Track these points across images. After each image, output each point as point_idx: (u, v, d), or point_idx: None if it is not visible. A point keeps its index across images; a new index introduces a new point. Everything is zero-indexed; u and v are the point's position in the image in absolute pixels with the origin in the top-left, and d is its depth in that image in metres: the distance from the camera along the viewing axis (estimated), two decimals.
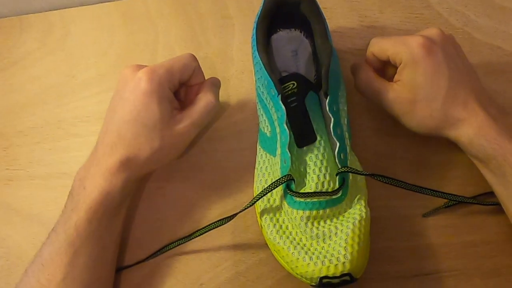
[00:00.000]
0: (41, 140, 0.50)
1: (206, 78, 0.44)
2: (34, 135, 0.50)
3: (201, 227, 0.40)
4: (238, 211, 0.39)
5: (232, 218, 0.39)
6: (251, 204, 0.39)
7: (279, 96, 0.39)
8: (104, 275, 0.40)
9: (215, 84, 0.44)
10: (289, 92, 0.41)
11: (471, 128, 0.37)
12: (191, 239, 0.41)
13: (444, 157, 0.44)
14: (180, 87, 0.43)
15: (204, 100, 0.41)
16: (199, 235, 0.40)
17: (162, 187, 0.46)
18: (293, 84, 0.41)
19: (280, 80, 0.41)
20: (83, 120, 0.50)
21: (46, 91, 0.52)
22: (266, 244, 0.41)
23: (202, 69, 0.43)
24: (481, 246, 0.41)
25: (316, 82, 0.43)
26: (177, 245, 0.41)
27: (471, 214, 0.42)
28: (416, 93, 0.39)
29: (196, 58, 0.42)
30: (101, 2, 0.57)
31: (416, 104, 0.39)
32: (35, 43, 0.55)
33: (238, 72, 0.50)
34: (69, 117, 0.50)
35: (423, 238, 0.42)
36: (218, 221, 0.39)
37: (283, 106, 0.39)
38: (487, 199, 0.41)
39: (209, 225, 0.40)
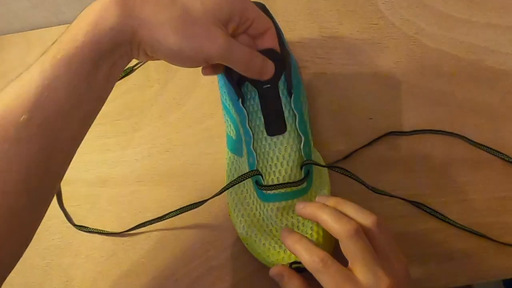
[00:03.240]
0: None
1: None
2: None
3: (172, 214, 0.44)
4: (208, 207, 0.42)
5: (201, 204, 0.42)
6: (218, 194, 0.42)
7: (239, 100, 0.42)
8: (70, 136, 0.34)
9: (260, 60, 0.38)
10: None
11: None
12: (161, 220, 0.44)
13: (400, 154, 0.48)
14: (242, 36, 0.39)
15: (249, 50, 0.37)
16: (169, 218, 0.44)
17: (138, 190, 0.49)
18: None
19: None
20: None
21: None
22: (237, 239, 0.44)
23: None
24: (434, 233, 0.44)
25: None
26: (148, 224, 0.45)
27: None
28: None
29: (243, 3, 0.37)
30: None
31: None
32: (16, 61, 0.58)
33: (208, 82, 0.53)
34: None
35: None
36: (188, 205, 0.43)
37: (244, 109, 0.42)
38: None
39: (180, 208, 0.43)
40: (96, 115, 0.36)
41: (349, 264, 0.35)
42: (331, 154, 0.48)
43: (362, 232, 0.36)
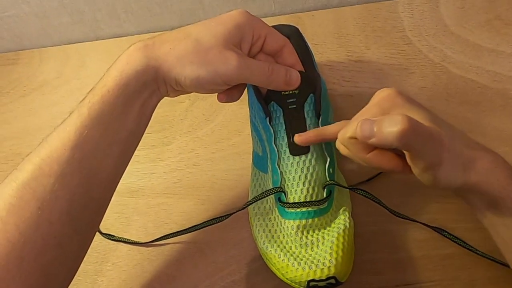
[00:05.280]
0: None
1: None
2: None
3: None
4: (232, 221, 0.43)
5: (225, 219, 0.44)
6: (242, 208, 0.43)
7: (267, 118, 0.44)
8: (108, 170, 0.37)
9: (284, 71, 0.41)
10: (290, 92, 0.43)
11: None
12: (186, 233, 0.45)
13: None
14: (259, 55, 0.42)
15: (267, 64, 0.40)
16: (194, 230, 0.45)
17: (164, 202, 0.50)
18: None
19: None
20: None
21: (62, 116, 0.56)
22: (259, 255, 0.45)
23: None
24: (457, 258, 0.44)
25: None
26: (173, 236, 0.46)
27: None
28: None
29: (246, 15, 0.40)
30: (114, 37, 0.63)
31: None
32: (53, 73, 0.61)
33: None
34: None
35: (404, 251, 0.45)
36: (212, 219, 0.44)
37: (271, 127, 0.43)
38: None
39: (204, 222, 0.44)
40: (132, 152, 0.40)
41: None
42: (354, 176, 0.49)
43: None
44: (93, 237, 0.39)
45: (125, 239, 0.48)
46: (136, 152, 0.52)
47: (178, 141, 0.53)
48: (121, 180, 0.51)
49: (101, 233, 0.48)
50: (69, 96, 0.59)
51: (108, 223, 0.49)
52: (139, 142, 0.40)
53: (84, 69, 0.61)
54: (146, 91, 0.38)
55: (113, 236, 0.48)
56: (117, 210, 0.50)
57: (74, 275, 0.37)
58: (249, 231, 0.47)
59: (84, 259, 0.48)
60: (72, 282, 0.45)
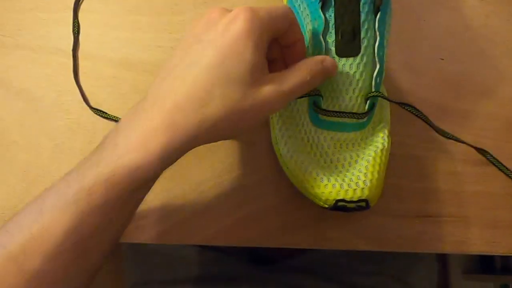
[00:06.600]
0: (35, 7, 0.43)
1: None
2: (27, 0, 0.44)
3: None
4: None
5: None
6: None
7: (320, 2, 0.36)
8: (103, 247, 0.34)
9: (321, 65, 0.34)
10: None
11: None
12: None
13: (467, 105, 0.43)
14: (272, 43, 0.33)
15: (302, 72, 0.32)
16: None
17: None
18: None
19: None
20: None
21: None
22: (275, 163, 0.39)
23: None
24: (484, 197, 0.41)
25: None
26: None
27: (479, 165, 0.42)
28: None
29: (292, 12, 0.33)
30: None
31: None
32: None
33: None
34: None
35: (430, 182, 0.41)
36: None
37: (322, 16, 0.35)
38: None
39: None
40: (127, 226, 0.36)
41: None
42: (390, 89, 0.43)
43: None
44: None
45: (118, 118, 0.41)
46: (138, 16, 0.44)
47: (191, 12, 0.44)
48: (118, 49, 0.43)
49: (91, 107, 0.40)
50: None
51: (100, 97, 0.41)
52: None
53: None
54: (167, 167, 0.32)
55: (106, 113, 0.41)
56: (112, 83, 0.42)
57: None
58: (267, 134, 0.40)
59: (70, 136, 0.41)
60: (52, 160, 0.39)
